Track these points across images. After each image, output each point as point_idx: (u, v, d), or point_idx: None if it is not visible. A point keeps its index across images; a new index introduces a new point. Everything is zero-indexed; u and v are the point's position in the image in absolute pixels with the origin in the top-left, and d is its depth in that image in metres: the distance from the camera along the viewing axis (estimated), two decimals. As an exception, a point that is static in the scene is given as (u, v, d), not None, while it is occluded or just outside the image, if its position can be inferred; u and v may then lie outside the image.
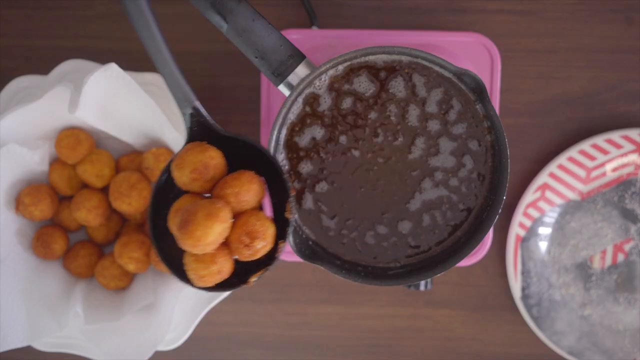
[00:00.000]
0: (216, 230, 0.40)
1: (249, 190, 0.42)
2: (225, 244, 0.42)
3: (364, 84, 0.46)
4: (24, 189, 0.57)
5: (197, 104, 0.44)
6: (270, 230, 0.42)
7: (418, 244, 0.47)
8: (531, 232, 0.62)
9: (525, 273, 0.62)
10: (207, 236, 0.40)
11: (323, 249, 0.48)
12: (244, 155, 0.43)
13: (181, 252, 0.42)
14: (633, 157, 0.61)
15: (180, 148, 0.43)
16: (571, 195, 0.61)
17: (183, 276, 0.43)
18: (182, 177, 0.42)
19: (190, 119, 0.44)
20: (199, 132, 0.44)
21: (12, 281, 0.56)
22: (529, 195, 0.61)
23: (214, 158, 0.42)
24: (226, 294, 0.57)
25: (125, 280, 0.59)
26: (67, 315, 0.57)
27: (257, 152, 0.43)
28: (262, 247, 0.42)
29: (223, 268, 0.42)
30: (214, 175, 0.42)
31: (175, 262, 0.43)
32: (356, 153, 0.47)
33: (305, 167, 0.47)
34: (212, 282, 0.42)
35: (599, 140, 0.60)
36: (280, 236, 0.43)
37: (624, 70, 0.61)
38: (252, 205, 0.42)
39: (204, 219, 0.40)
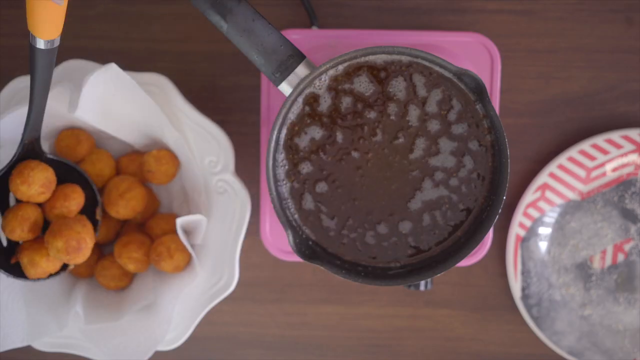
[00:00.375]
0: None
1: (83, 200, 0.55)
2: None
3: (364, 84, 0.46)
4: (23, 189, 0.57)
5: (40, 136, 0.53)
6: (92, 229, 0.54)
7: (418, 244, 0.47)
8: (531, 232, 0.62)
9: (525, 273, 0.62)
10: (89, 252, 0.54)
11: (323, 249, 0.48)
12: (63, 168, 0.55)
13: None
14: (633, 157, 0.61)
15: (8, 165, 0.53)
16: (571, 195, 0.61)
17: (10, 270, 0.53)
18: (30, 191, 0.52)
19: (27, 144, 0.52)
20: (26, 153, 0.53)
21: (12, 281, 0.56)
22: (529, 195, 0.61)
23: (53, 174, 0.53)
24: (227, 293, 0.57)
25: (125, 280, 0.59)
26: (67, 315, 0.57)
27: (71, 167, 0.55)
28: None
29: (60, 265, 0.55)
30: (53, 188, 0.54)
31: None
32: (356, 153, 0.47)
33: (305, 167, 0.47)
34: (46, 275, 0.54)
35: (599, 140, 0.60)
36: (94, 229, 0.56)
37: (624, 70, 0.61)
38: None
39: (91, 242, 0.53)
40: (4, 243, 0.54)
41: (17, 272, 0.54)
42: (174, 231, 0.58)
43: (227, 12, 0.46)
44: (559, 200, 0.61)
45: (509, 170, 0.45)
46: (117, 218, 0.57)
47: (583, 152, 0.60)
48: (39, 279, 0.54)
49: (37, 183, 0.52)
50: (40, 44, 0.45)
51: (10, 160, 0.52)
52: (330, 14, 0.61)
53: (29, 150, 0.53)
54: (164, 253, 0.56)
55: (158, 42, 0.62)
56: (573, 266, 0.63)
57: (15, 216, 0.53)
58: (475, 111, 0.46)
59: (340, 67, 0.46)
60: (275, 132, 0.46)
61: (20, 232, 0.53)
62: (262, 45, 0.46)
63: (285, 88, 0.47)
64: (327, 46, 0.56)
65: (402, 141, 0.47)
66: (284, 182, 0.47)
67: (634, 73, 0.61)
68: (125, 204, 0.56)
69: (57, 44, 0.46)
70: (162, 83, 0.57)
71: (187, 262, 0.57)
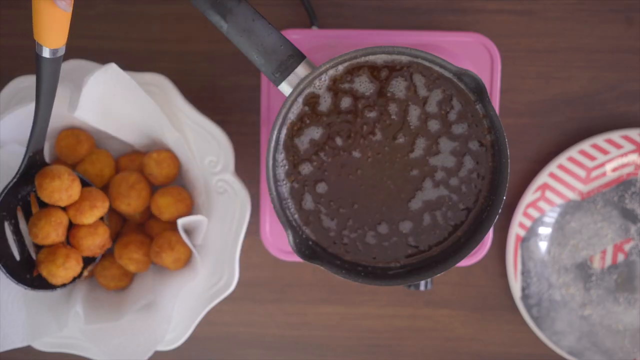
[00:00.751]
0: None
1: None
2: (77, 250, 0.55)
3: (364, 84, 0.46)
4: (23, 189, 0.57)
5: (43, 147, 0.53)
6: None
7: (418, 243, 0.47)
8: (531, 232, 0.62)
9: (525, 273, 0.62)
10: None
11: (323, 249, 0.48)
12: None
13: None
14: (633, 157, 0.61)
15: (15, 178, 0.52)
16: (571, 195, 0.61)
17: (28, 283, 0.53)
18: (62, 184, 0.52)
19: (32, 156, 0.52)
20: (31, 165, 0.52)
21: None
22: (529, 195, 0.61)
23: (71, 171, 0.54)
24: (227, 293, 0.57)
25: (125, 280, 0.59)
26: (67, 315, 0.57)
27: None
28: None
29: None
30: (79, 183, 0.54)
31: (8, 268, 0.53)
32: (356, 153, 0.47)
33: (305, 168, 0.47)
34: (69, 280, 0.54)
35: (599, 140, 0.60)
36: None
37: (624, 70, 0.61)
38: None
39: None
40: (17, 257, 0.54)
41: (36, 283, 0.54)
42: (174, 229, 0.58)
43: (227, 12, 0.46)
44: (559, 200, 0.61)
45: (509, 170, 0.45)
46: (127, 212, 0.57)
47: (583, 152, 0.60)
48: (64, 285, 0.54)
49: (65, 174, 0.52)
50: (46, 53, 0.45)
51: (16, 173, 0.52)
52: (330, 14, 0.61)
53: (33, 162, 0.52)
54: (164, 245, 0.56)
55: (158, 42, 0.62)
56: (573, 266, 0.63)
57: (48, 221, 0.52)
58: (475, 111, 0.46)
59: (340, 67, 0.46)
60: (275, 132, 0.46)
61: (55, 237, 0.53)
62: (262, 45, 0.46)
63: (285, 88, 0.47)
64: (327, 46, 0.56)
65: (402, 141, 0.47)
66: (284, 182, 0.47)
67: (634, 73, 0.61)
68: (137, 195, 0.56)
69: (62, 52, 0.46)
70: (162, 83, 0.57)
71: (188, 256, 0.57)
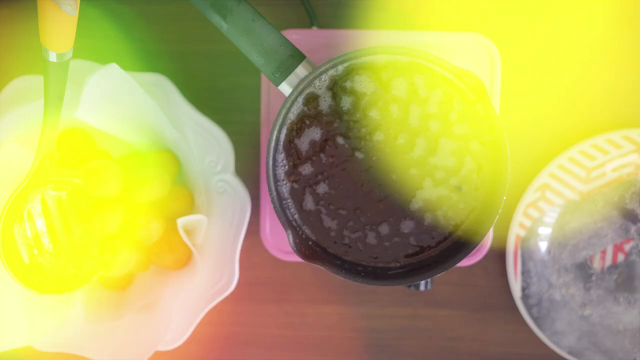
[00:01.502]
0: None
1: None
2: None
3: (364, 84, 0.46)
4: (24, 189, 0.57)
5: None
6: None
7: (419, 243, 0.47)
8: (531, 232, 0.62)
9: (525, 273, 0.62)
10: None
11: (323, 249, 0.48)
12: None
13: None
14: (633, 157, 0.61)
15: (24, 184, 0.52)
16: (571, 195, 0.61)
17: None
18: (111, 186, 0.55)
19: (41, 160, 0.52)
20: (40, 170, 0.52)
21: (13, 281, 0.56)
22: (529, 195, 0.61)
23: None
24: (227, 293, 0.57)
25: (125, 280, 0.59)
26: (67, 315, 0.57)
27: None
28: None
29: None
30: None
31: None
32: (357, 153, 0.47)
33: (306, 168, 0.47)
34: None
35: (599, 140, 0.60)
36: None
37: (624, 70, 0.61)
38: None
39: None
40: (26, 261, 0.54)
41: (44, 287, 0.54)
42: (174, 229, 0.58)
43: (227, 12, 0.46)
44: (559, 200, 0.61)
45: (509, 170, 0.45)
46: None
47: (583, 152, 0.60)
48: (74, 289, 0.56)
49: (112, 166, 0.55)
50: (53, 57, 0.45)
51: (27, 177, 0.52)
52: (330, 14, 0.61)
53: (42, 165, 0.52)
54: (165, 246, 0.56)
55: (158, 42, 0.62)
56: (573, 266, 0.63)
57: (104, 217, 0.55)
58: (476, 111, 0.46)
59: (340, 67, 0.46)
60: (275, 132, 0.46)
61: (113, 228, 0.56)
62: (262, 45, 0.46)
63: (285, 88, 0.47)
64: (327, 46, 0.56)
65: (403, 141, 0.47)
66: (284, 182, 0.47)
67: (634, 73, 0.61)
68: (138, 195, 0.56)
69: (68, 56, 0.46)
70: (162, 83, 0.57)
71: (188, 256, 0.58)
